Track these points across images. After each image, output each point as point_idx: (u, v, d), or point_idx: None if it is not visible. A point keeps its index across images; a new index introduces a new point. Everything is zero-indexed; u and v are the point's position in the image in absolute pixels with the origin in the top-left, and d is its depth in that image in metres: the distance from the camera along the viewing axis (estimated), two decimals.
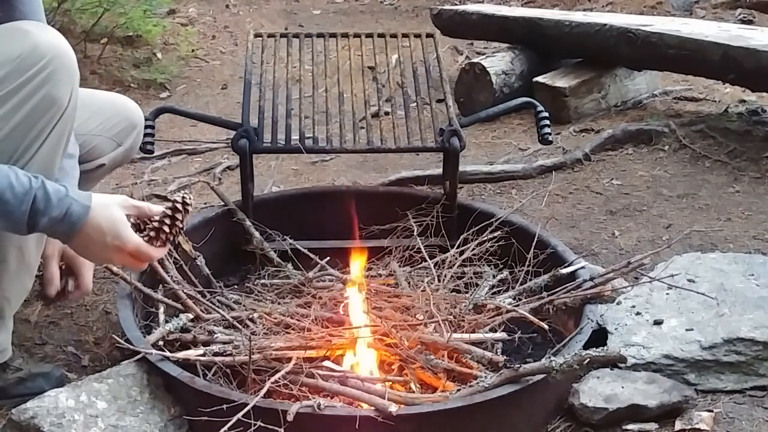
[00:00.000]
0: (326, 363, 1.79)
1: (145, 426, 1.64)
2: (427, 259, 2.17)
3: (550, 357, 1.69)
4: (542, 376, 1.65)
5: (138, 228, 1.60)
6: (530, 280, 2.08)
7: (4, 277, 1.71)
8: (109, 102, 2.06)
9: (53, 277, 1.85)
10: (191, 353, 1.76)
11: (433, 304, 1.91)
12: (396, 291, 2.07)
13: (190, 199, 1.64)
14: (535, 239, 2.15)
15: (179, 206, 1.61)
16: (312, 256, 2.23)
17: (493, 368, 1.76)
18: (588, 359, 1.67)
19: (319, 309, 2.00)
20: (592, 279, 2.01)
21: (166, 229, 1.60)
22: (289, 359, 1.73)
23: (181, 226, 1.63)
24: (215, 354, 1.77)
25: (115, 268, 2.00)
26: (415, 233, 2.26)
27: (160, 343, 1.83)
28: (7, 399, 1.81)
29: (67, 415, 1.59)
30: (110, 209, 1.55)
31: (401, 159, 3.23)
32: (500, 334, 1.88)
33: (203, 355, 1.76)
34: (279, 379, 1.66)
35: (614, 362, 1.79)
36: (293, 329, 1.90)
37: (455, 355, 1.80)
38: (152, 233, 1.60)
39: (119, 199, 1.59)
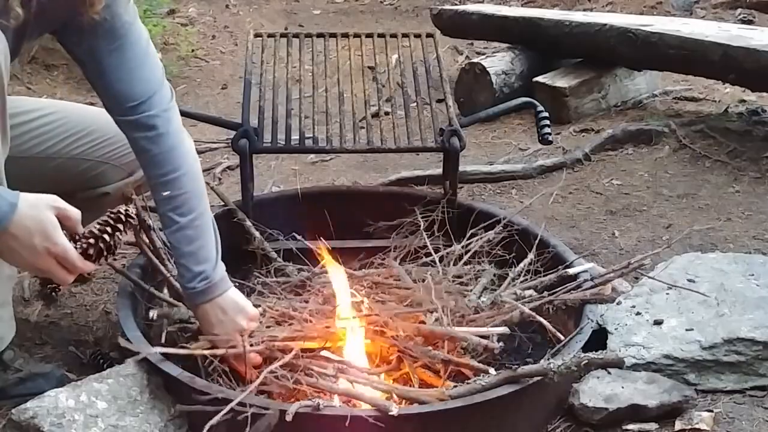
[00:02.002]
0: (324, 353, 1.77)
1: (145, 426, 1.64)
2: (433, 253, 2.16)
3: (548, 359, 1.68)
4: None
5: (70, 239, 1.49)
6: (530, 280, 2.07)
7: None
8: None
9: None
10: (195, 349, 1.75)
11: (435, 295, 1.90)
12: (397, 284, 2.07)
13: (134, 213, 1.55)
14: (536, 240, 2.14)
15: (122, 217, 1.53)
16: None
17: (488, 355, 1.76)
18: (586, 362, 1.67)
19: (320, 304, 1.99)
20: (592, 279, 2.00)
21: (107, 237, 1.50)
22: (290, 350, 1.71)
23: (120, 240, 1.52)
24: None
25: (117, 266, 2.00)
26: (415, 232, 2.26)
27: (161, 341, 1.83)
28: (7, 399, 1.81)
29: (67, 415, 1.59)
30: (39, 209, 1.45)
31: (401, 159, 3.23)
32: (500, 328, 1.86)
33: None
34: (275, 369, 1.64)
35: (613, 366, 1.78)
36: (291, 318, 1.89)
37: (453, 349, 1.80)
38: (91, 240, 1.50)
39: (49, 199, 1.48)
